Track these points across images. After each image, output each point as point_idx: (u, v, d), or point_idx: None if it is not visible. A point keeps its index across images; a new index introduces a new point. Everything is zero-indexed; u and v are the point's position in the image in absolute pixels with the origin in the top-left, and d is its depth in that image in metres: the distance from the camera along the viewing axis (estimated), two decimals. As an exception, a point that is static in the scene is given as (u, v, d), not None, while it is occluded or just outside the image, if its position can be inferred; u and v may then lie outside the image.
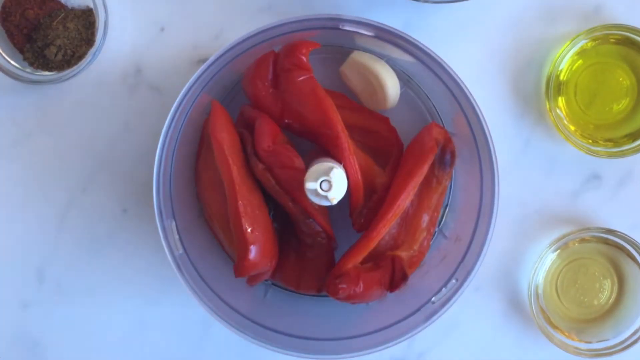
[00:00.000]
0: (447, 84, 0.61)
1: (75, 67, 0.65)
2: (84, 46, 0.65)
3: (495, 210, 0.61)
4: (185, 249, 0.62)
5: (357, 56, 0.65)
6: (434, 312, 0.61)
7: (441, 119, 0.67)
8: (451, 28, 0.68)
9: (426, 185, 0.64)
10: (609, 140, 0.68)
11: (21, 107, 0.69)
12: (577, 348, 0.68)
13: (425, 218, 0.65)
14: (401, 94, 0.66)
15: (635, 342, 0.67)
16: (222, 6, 0.68)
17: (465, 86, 0.60)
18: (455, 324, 0.70)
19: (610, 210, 0.69)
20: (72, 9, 0.66)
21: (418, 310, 0.63)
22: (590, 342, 0.68)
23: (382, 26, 0.59)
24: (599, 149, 0.68)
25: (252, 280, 0.64)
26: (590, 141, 0.68)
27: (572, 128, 0.68)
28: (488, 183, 0.61)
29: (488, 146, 0.60)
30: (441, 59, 0.59)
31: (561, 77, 0.68)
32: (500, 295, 0.70)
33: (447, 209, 0.67)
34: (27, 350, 0.71)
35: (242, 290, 0.65)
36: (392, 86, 0.65)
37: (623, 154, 0.67)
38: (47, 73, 0.66)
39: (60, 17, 0.65)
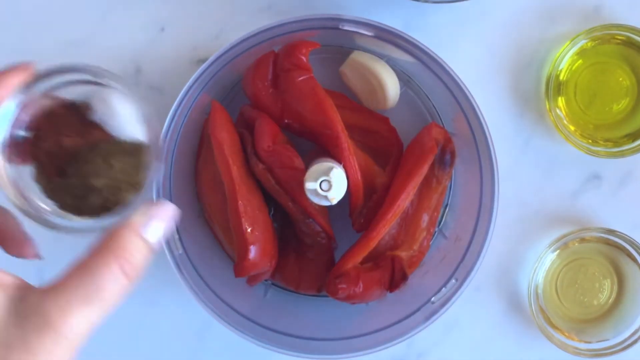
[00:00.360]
0: (447, 84, 0.61)
1: (113, 216, 0.47)
2: (130, 191, 0.47)
3: (495, 210, 0.61)
4: (185, 249, 0.62)
5: (357, 56, 0.65)
6: (434, 312, 0.61)
7: (441, 119, 0.67)
8: (451, 28, 0.68)
9: (426, 185, 0.64)
10: (609, 140, 0.68)
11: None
12: (576, 348, 0.68)
13: (425, 218, 0.65)
14: (401, 94, 0.66)
15: (635, 342, 0.67)
16: (222, 6, 0.68)
17: (465, 86, 0.60)
18: (455, 324, 0.70)
19: (610, 210, 0.69)
20: (120, 142, 0.47)
21: (418, 310, 0.63)
22: (590, 342, 0.68)
23: (382, 26, 0.59)
24: (598, 149, 0.68)
25: (252, 280, 0.64)
26: (590, 141, 0.68)
27: (572, 128, 0.68)
28: (488, 183, 0.61)
29: (488, 146, 0.60)
30: (441, 59, 0.59)
31: (561, 77, 0.68)
32: (499, 295, 0.70)
33: (447, 209, 0.67)
34: (27, 350, 0.70)
35: (242, 290, 0.65)
36: (392, 86, 0.65)
37: (623, 154, 0.67)
38: (76, 219, 0.49)
39: (104, 151, 0.47)
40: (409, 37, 0.59)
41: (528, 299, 0.68)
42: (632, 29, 0.66)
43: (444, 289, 0.62)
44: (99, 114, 0.46)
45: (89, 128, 0.47)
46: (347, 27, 0.60)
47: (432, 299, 0.62)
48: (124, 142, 0.47)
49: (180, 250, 0.61)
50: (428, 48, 0.59)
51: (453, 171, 0.65)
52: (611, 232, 0.68)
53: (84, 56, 0.68)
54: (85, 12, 0.68)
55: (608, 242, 0.69)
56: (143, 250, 0.45)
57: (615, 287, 0.69)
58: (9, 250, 0.47)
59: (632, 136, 0.68)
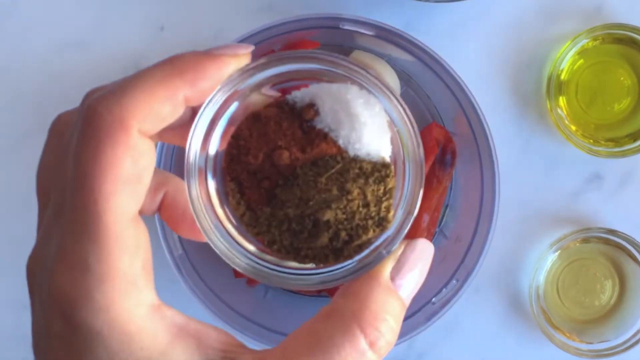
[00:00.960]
0: (447, 83, 0.61)
1: (347, 262, 0.34)
2: (372, 229, 0.33)
3: (495, 211, 0.61)
4: (185, 249, 0.62)
5: (357, 55, 0.65)
6: (435, 313, 0.61)
7: (442, 119, 0.66)
8: (452, 27, 0.68)
9: (426, 185, 0.64)
10: (610, 140, 0.68)
11: (21, 108, 0.68)
12: (578, 349, 0.67)
13: (426, 218, 0.64)
14: (402, 94, 0.66)
15: (636, 342, 0.67)
16: (222, 5, 0.68)
17: (466, 86, 0.59)
18: (455, 325, 0.70)
19: (612, 210, 0.69)
20: (357, 160, 0.33)
21: (418, 310, 0.62)
22: (591, 343, 0.68)
23: (382, 25, 0.59)
24: (600, 148, 0.67)
25: (252, 280, 0.64)
26: (591, 141, 0.68)
27: (573, 128, 0.68)
28: (489, 183, 0.61)
29: (489, 146, 0.60)
30: (442, 58, 0.59)
31: (562, 77, 0.68)
32: (500, 295, 0.70)
33: (448, 209, 0.67)
34: (26, 351, 0.70)
35: (242, 290, 0.65)
36: (392, 86, 0.65)
37: (624, 154, 0.67)
38: (291, 264, 0.34)
39: (334, 170, 0.33)
40: (410, 36, 0.59)
41: (529, 300, 0.68)
42: (633, 29, 0.66)
43: (444, 289, 0.62)
44: (327, 119, 0.33)
45: (311, 139, 0.33)
46: (347, 27, 0.60)
47: (433, 299, 0.62)
48: (362, 160, 0.33)
49: (180, 250, 0.61)
50: (428, 47, 0.59)
51: (454, 171, 0.65)
52: (612, 232, 0.67)
53: (83, 56, 0.68)
54: (85, 11, 0.68)
55: (609, 243, 0.68)
56: (398, 312, 0.32)
57: (617, 288, 0.69)
58: (181, 231, 0.37)
59: (634, 136, 0.68)
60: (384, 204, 0.33)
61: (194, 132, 0.32)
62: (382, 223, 0.33)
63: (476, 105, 0.60)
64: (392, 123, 0.33)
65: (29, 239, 0.71)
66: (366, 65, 0.66)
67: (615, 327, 0.68)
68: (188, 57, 0.31)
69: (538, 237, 0.69)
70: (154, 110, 0.30)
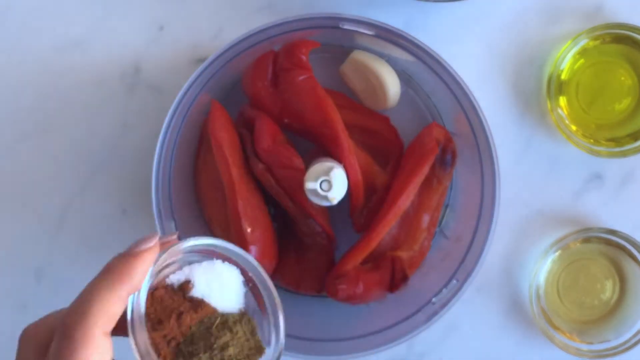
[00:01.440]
0: (448, 83, 0.61)
1: None
2: (254, 355, 0.48)
3: (496, 211, 0.61)
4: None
5: (358, 55, 0.65)
6: (435, 313, 0.61)
7: (442, 119, 0.66)
8: (452, 27, 0.68)
9: (427, 185, 0.64)
10: (611, 140, 0.68)
11: (20, 108, 0.68)
12: (578, 349, 0.67)
13: (426, 218, 0.64)
14: (402, 94, 0.66)
15: (637, 343, 0.67)
16: (221, 5, 0.68)
17: (467, 86, 0.59)
18: (455, 325, 0.69)
19: (612, 210, 0.69)
20: (228, 313, 0.48)
21: (418, 311, 0.62)
22: (591, 343, 0.68)
23: (382, 25, 0.59)
24: (600, 148, 0.67)
25: (251, 281, 0.64)
26: (592, 141, 0.68)
27: (574, 128, 0.68)
28: (489, 183, 0.61)
29: (489, 146, 0.60)
30: (442, 58, 0.59)
31: (562, 77, 0.68)
32: (501, 295, 0.70)
33: (448, 209, 0.67)
34: (26, 351, 0.70)
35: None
36: (392, 85, 0.65)
37: (625, 154, 0.67)
38: None
39: (218, 322, 0.47)
40: (410, 36, 0.59)
41: (529, 300, 0.68)
42: (634, 28, 0.66)
43: (444, 289, 0.62)
44: (201, 289, 0.46)
45: (195, 305, 0.46)
46: (347, 26, 0.60)
47: (433, 299, 0.62)
48: (230, 313, 0.47)
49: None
50: (429, 47, 0.59)
51: (454, 171, 0.65)
52: (613, 232, 0.67)
53: (83, 56, 0.68)
54: (84, 11, 0.68)
55: (610, 243, 0.68)
56: None
57: (617, 288, 0.69)
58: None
59: (634, 136, 0.67)
60: (256, 337, 0.47)
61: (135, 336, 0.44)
62: (259, 350, 0.47)
63: (476, 105, 0.60)
64: (247, 280, 0.48)
65: (28, 239, 0.71)
66: (366, 66, 0.67)
67: (615, 327, 0.68)
68: (121, 265, 0.43)
69: (538, 237, 0.69)
70: (110, 314, 0.41)
